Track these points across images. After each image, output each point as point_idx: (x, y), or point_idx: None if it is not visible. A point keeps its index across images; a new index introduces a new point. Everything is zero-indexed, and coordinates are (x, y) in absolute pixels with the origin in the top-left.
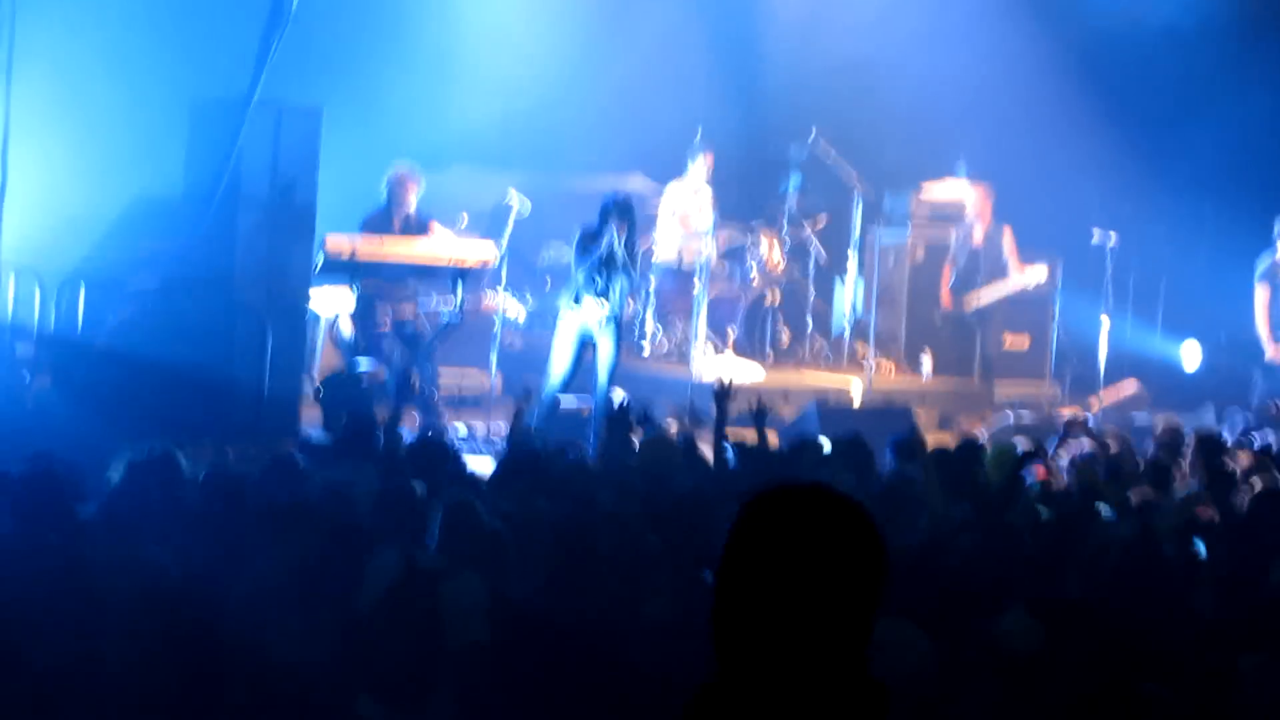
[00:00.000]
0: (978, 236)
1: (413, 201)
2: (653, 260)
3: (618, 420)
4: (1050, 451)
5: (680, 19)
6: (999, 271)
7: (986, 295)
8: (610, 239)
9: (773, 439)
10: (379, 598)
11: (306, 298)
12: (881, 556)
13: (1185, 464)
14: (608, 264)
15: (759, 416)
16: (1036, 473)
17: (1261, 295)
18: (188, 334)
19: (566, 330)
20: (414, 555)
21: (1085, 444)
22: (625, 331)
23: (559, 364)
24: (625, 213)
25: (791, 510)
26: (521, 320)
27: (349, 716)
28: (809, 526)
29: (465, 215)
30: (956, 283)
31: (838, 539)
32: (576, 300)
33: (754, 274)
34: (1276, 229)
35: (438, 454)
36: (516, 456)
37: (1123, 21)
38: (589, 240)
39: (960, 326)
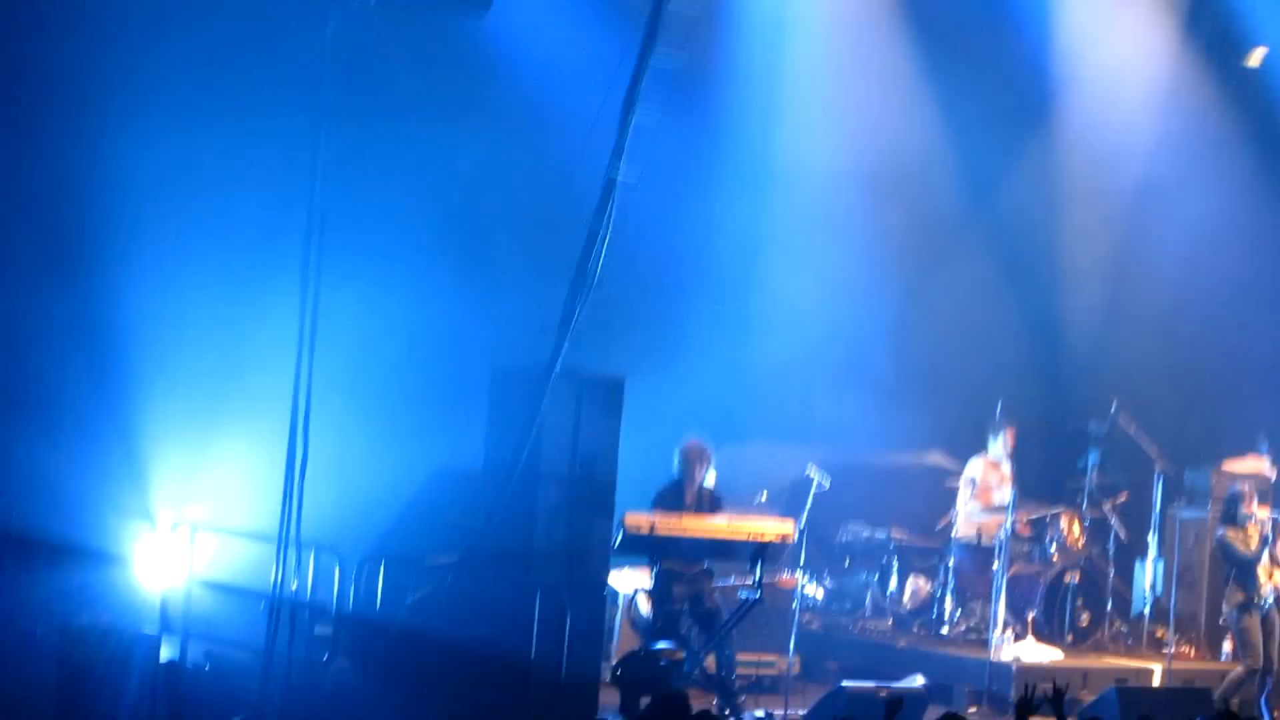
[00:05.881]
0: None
1: (702, 475)
2: (952, 536)
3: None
4: None
5: (979, 288)
6: None
7: None
8: None
9: None
10: None
11: (606, 576)
12: None
13: None
14: None
15: (1057, 700)
16: None
17: None
18: (486, 612)
19: None
20: None
21: None
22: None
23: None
24: None
25: None
26: (820, 598)
27: None
28: None
29: (765, 492)
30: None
31: None
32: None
33: (1054, 552)
34: None
35: None
36: None
37: None
38: None
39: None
